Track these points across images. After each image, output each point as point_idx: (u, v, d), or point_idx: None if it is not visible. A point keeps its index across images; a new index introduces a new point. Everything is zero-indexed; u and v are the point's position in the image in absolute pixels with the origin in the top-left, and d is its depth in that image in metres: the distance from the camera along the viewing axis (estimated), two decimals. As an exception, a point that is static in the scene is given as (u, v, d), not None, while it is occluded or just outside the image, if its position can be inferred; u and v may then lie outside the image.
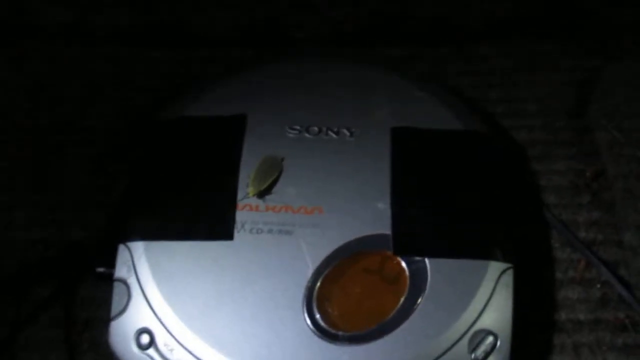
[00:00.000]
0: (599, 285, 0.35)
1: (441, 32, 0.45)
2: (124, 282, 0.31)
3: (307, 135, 0.35)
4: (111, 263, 0.32)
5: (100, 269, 0.32)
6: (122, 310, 0.30)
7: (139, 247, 0.31)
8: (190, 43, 0.44)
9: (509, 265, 0.31)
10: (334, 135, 0.35)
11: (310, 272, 0.30)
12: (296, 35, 0.45)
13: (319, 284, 0.30)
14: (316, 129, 0.35)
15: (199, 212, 0.32)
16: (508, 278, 0.31)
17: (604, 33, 0.43)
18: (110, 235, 0.32)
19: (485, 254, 0.31)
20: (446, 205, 0.32)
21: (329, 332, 0.29)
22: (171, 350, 0.29)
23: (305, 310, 0.29)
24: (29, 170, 0.39)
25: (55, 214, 0.37)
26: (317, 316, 0.29)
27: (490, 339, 0.29)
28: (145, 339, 0.29)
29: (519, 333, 0.30)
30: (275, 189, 0.33)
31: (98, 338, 0.33)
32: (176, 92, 0.38)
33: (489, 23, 0.44)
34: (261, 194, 0.32)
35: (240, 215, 0.32)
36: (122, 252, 0.31)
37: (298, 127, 0.35)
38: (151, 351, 0.29)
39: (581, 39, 0.43)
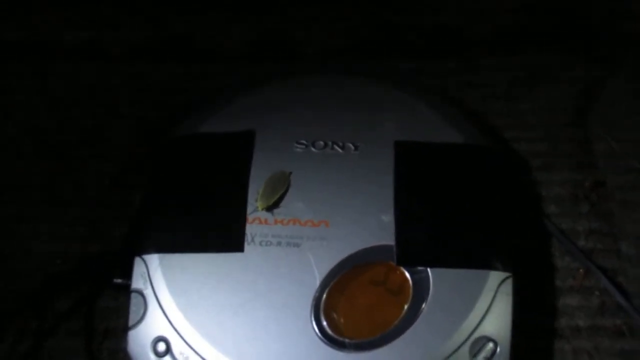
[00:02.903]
0: (597, 293, 0.36)
1: (445, 44, 0.46)
2: (141, 293, 0.32)
3: (313, 149, 0.36)
4: (128, 274, 0.33)
5: (118, 280, 0.34)
6: (140, 320, 0.32)
7: (154, 260, 0.33)
8: (202, 58, 0.46)
9: (508, 274, 0.32)
10: (339, 150, 0.36)
11: (317, 283, 0.32)
12: (303, 49, 0.47)
13: (325, 294, 0.31)
14: (322, 143, 0.36)
15: (210, 226, 0.33)
16: (507, 286, 0.32)
17: (604, 46, 0.44)
18: (127, 249, 0.34)
19: (486, 264, 0.32)
20: (448, 216, 0.33)
21: (336, 340, 0.30)
22: (186, 357, 0.30)
23: (313, 320, 0.31)
24: (48, 184, 0.41)
25: (73, 228, 0.39)
26: (325, 325, 0.31)
27: (491, 345, 0.31)
28: (161, 347, 0.31)
29: (520, 339, 0.31)
30: (283, 203, 0.34)
31: (117, 346, 0.35)
32: (187, 109, 0.39)
33: (491, 36, 0.45)
34: (270, 208, 0.34)
35: (250, 228, 0.33)
36: (138, 264, 0.33)
37: (305, 142, 0.36)
38: (167, 358, 0.31)
39: (581, 51, 0.44)
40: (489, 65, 0.44)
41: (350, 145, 0.36)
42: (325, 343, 0.30)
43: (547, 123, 0.42)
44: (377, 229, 0.33)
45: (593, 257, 0.37)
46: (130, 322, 0.32)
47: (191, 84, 0.45)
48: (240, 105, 0.38)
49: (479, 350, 0.30)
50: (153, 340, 0.31)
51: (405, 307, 0.31)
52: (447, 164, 0.35)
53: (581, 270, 0.37)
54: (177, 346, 0.31)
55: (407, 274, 0.32)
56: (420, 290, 0.32)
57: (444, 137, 0.36)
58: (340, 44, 0.46)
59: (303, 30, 0.47)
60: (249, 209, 0.34)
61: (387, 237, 0.33)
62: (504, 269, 0.32)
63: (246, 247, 0.33)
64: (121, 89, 0.44)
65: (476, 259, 0.32)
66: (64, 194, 0.41)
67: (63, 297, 0.36)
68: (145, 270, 0.33)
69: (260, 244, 0.33)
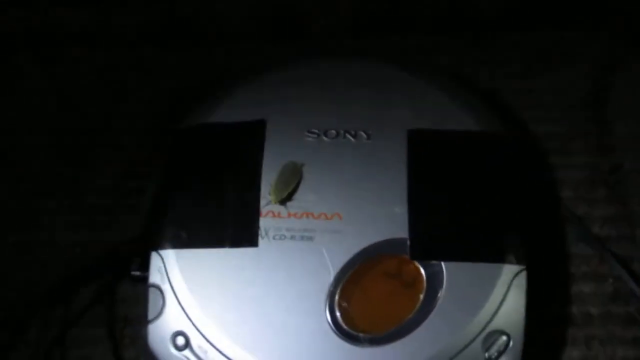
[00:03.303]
0: (611, 280, 0.36)
1: (458, 20, 0.44)
2: (159, 288, 0.33)
3: (325, 139, 0.36)
4: (145, 267, 0.34)
5: (136, 273, 0.35)
6: (158, 315, 0.32)
7: (170, 255, 0.33)
8: (209, 39, 0.45)
9: (522, 267, 0.32)
10: (351, 139, 0.36)
11: (331, 277, 0.32)
12: (312, 28, 0.45)
13: (340, 288, 0.32)
14: (334, 132, 0.36)
15: (225, 221, 0.34)
16: (521, 280, 0.32)
17: (628, 23, 0.42)
18: (143, 243, 0.34)
19: (500, 257, 0.32)
20: (462, 208, 0.33)
21: (351, 334, 0.31)
22: (205, 351, 0.31)
23: (328, 314, 0.31)
24: (62, 174, 0.41)
25: (90, 217, 0.40)
26: (339, 319, 0.31)
27: (504, 338, 0.31)
28: (180, 340, 0.32)
29: (532, 326, 0.32)
30: (296, 196, 0.34)
31: (138, 333, 0.36)
32: (195, 98, 0.39)
33: (507, 11, 0.44)
34: (283, 201, 0.34)
35: (263, 222, 0.33)
36: (154, 259, 0.33)
37: (316, 131, 0.36)
38: (187, 352, 0.32)
39: (604, 28, 0.42)
40: (504, 43, 0.43)
41: (363, 134, 0.36)
42: (340, 337, 0.31)
43: (564, 103, 0.41)
44: (391, 221, 0.33)
45: (608, 243, 0.37)
46: (150, 316, 0.32)
47: (197, 66, 0.44)
48: (250, 93, 0.38)
49: (492, 344, 0.31)
50: (172, 335, 0.32)
51: (419, 301, 0.31)
52: (461, 153, 0.35)
53: (596, 256, 0.36)
54: (195, 340, 0.32)
55: (421, 268, 0.32)
56: (434, 283, 0.32)
57: (459, 124, 0.36)
58: (349, 20, 0.45)
59: (311, 4, 0.46)
60: (262, 202, 0.34)
61: (400, 230, 0.33)
62: (518, 262, 0.32)
63: (260, 241, 0.33)
64: (129, 74, 0.44)
65: (490, 252, 0.32)
66: (79, 183, 0.41)
67: (84, 287, 0.37)
68: (162, 265, 0.33)
69: (274, 238, 0.33)
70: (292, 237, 0.33)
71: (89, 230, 0.39)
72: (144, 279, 0.34)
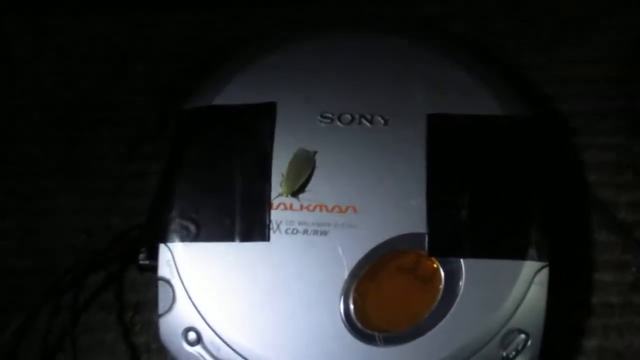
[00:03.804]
0: (634, 269, 0.35)
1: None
2: (168, 282, 0.32)
3: (339, 124, 0.34)
4: (154, 256, 0.33)
5: (145, 262, 0.34)
6: (169, 309, 0.32)
7: (179, 248, 0.32)
8: (209, 5, 0.42)
9: (544, 263, 0.31)
10: (367, 124, 0.34)
11: (346, 273, 0.31)
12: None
13: (354, 285, 0.31)
14: (349, 116, 0.34)
15: (235, 213, 0.32)
16: (543, 276, 0.31)
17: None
18: (150, 233, 0.33)
19: (522, 254, 0.31)
20: (483, 202, 0.32)
21: (366, 333, 0.30)
22: (218, 348, 0.31)
23: (342, 312, 0.31)
24: (62, 154, 0.39)
25: (94, 201, 0.38)
26: (354, 317, 0.31)
27: (522, 337, 0.30)
28: (192, 336, 0.31)
29: (549, 315, 0.31)
30: (308, 187, 0.32)
31: (149, 319, 0.36)
32: (199, 72, 0.37)
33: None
34: (295, 194, 0.32)
35: (275, 215, 0.32)
36: (163, 252, 0.32)
37: (330, 116, 0.34)
38: (199, 348, 0.31)
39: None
40: (532, 11, 0.40)
41: (380, 118, 0.34)
42: (354, 336, 0.30)
43: (592, 77, 0.38)
44: (408, 215, 0.31)
45: (633, 230, 0.35)
46: (160, 311, 0.32)
47: (204, 32, 0.42)
48: (257, 71, 0.35)
49: (510, 343, 0.30)
50: (184, 330, 0.31)
51: (437, 298, 0.30)
52: (484, 141, 0.33)
53: (619, 244, 0.35)
54: (207, 336, 0.31)
55: (439, 263, 0.31)
56: (452, 280, 0.31)
57: (483, 107, 0.33)
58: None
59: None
60: (273, 193, 0.32)
61: (418, 224, 0.31)
62: (540, 258, 0.31)
63: (272, 235, 0.32)
64: (129, 44, 0.41)
65: (513, 248, 0.31)
66: (79, 165, 0.39)
67: (92, 273, 0.37)
68: (171, 258, 0.32)
69: (287, 232, 0.32)
70: (305, 232, 0.32)
71: (94, 215, 0.38)
72: (153, 268, 0.33)
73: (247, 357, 0.30)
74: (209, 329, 0.31)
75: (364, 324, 0.30)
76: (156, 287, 0.32)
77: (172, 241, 0.32)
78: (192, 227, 0.32)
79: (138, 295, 0.37)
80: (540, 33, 0.40)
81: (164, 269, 0.32)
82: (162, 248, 0.32)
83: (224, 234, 0.32)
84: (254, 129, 0.34)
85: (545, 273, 0.31)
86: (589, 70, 0.39)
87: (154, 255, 0.33)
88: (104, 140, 0.39)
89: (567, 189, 0.36)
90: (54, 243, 0.37)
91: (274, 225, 0.32)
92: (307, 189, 0.32)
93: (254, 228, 0.32)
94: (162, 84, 0.40)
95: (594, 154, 0.37)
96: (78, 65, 0.41)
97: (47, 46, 0.41)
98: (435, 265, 0.31)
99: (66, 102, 0.40)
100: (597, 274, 0.35)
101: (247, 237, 0.32)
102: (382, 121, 0.33)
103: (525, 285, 0.31)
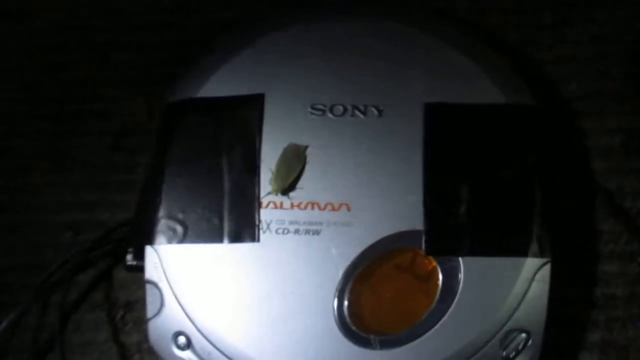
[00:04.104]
0: (639, 260, 0.34)
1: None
2: (156, 285, 0.31)
3: (330, 115, 0.32)
4: (140, 256, 0.32)
5: (132, 263, 0.33)
6: (158, 313, 0.31)
7: (166, 250, 0.31)
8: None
9: (546, 260, 0.30)
10: (361, 115, 0.32)
11: (340, 274, 0.30)
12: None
13: (348, 286, 0.30)
14: (341, 107, 0.32)
15: (222, 213, 0.31)
16: (545, 273, 0.30)
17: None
18: (136, 234, 0.32)
19: (523, 250, 0.29)
20: (483, 196, 0.30)
21: (361, 336, 0.29)
22: (209, 353, 0.30)
23: (336, 314, 0.29)
24: (45, 147, 0.38)
25: (79, 195, 0.37)
26: (348, 320, 0.29)
27: (523, 336, 0.29)
28: (182, 340, 0.30)
29: (551, 308, 0.30)
30: (299, 184, 0.31)
31: (140, 317, 0.35)
32: (185, 65, 0.35)
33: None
34: (285, 192, 0.31)
35: (265, 214, 0.31)
36: (150, 254, 0.31)
37: (321, 107, 0.32)
38: (189, 352, 0.30)
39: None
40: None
41: (373, 109, 0.32)
42: (349, 339, 0.29)
43: (600, 56, 0.36)
44: (404, 212, 0.30)
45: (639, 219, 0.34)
46: (149, 314, 0.31)
47: (182, 18, 0.39)
48: (243, 59, 0.33)
49: (510, 342, 0.29)
50: (173, 334, 0.30)
51: (435, 298, 0.29)
52: (485, 132, 0.31)
53: (624, 234, 0.34)
54: (197, 340, 0.30)
55: (436, 262, 0.30)
56: (450, 279, 0.29)
57: (483, 95, 0.31)
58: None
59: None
60: (263, 191, 0.31)
61: (415, 222, 0.30)
62: (542, 255, 0.30)
63: (262, 236, 0.30)
64: (108, 32, 0.39)
65: (513, 245, 0.29)
66: (64, 159, 0.38)
67: (81, 272, 0.36)
68: (157, 260, 0.31)
69: (277, 232, 0.30)
70: (297, 231, 0.30)
71: (79, 210, 0.37)
72: (141, 268, 0.32)
73: (237, 361, 0.30)
74: (198, 333, 0.30)
75: (358, 326, 0.29)
76: (144, 290, 0.31)
77: (159, 243, 0.31)
78: (179, 228, 0.31)
79: (128, 293, 0.35)
80: (545, 10, 0.37)
81: (151, 272, 0.31)
82: (149, 250, 0.31)
83: (212, 235, 0.31)
84: (242, 122, 0.32)
85: (547, 269, 0.30)
86: (598, 49, 0.36)
87: (141, 256, 0.32)
88: (89, 132, 0.38)
89: (570, 177, 0.35)
90: (40, 240, 0.36)
91: (263, 225, 0.31)
92: (298, 186, 0.31)
93: (243, 228, 0.31)
94: (146, 73, 0.38)
95: (599, 139, 0.35)
96: (56, 53, 0.39)
97: (24, 33, 0.39)
98: (432, 264, 0.30)
99: (46, 93, 0.39)
100: (601, 265, 0.34)
101: (236, 237, 0.31)
102: (376, 112, 0.32)
103: (527, 283, 0.29)
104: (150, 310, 0.31)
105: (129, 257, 0.32)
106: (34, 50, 0.39)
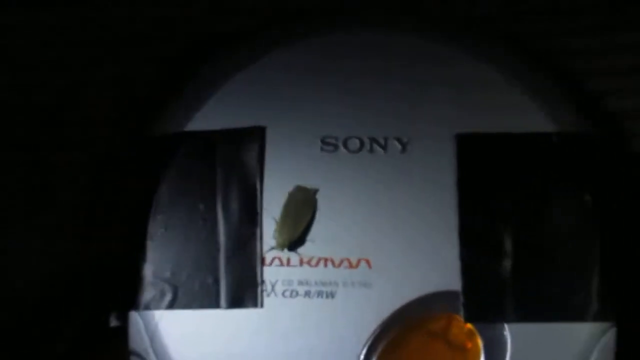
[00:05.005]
0: None
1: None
2: (140, 357, 0.26)
3: (344, 151, 0.27)
4: (123, 318, 0.27)
5: (115, 323, 0.28)
6: (144, 391, 0.26)
7: (152, 317, 0.26)
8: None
9: (610, 324, 0.25)
10: (380, 150, 0.27)
11: (360, 346, 0.25)
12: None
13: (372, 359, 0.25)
14: (357, 141, 0.27)
15: (217, 272, 0.26)
16: (609, 340, 0.25)
17: None
18: (117, 298, 0.27)
19: (582, 314, 0.24)
20: (531, 247, 0.25)
21: (388, 421, 0.25)
22: None
23: (357, 395, 0.25)
24: (14, 184, 0.33)
25: (54, 243, 0.32)
26: (372, 401, 0.25)
27: (584, 419, 0.24)
28: (173, 423, 0.26)
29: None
30: (309, 236, 0.26)
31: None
32: (173, 95, 0.30)
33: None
34: (293, 246, 0.26)
35: (269, 273, 0.26)
36: (134, 320, 0.26)
37: (333, 140, 0.27)
38: None
39: None
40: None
41: (396, 142, 0.27)
42: None
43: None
44: (435, 269, 0.25)
45: None
46: (135, 390, 0.26)
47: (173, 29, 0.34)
48: (240, 84, 0.28)
49: None
50: (163, 417, 0.26)
51: (475, 375, 0.25)
52: (529, 167, 0.26)
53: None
54: None
55: (477, 329, 0.25)
56: (494, 349, 0.24)
57: (527, 122, 0.26)
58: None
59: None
60: (265, 245, 0.26)
61: (449, 280, 0.25)
62: (605, 318, 0.25)
63: (266, 299, 0.25)
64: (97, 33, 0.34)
65: (569, 308, 0.24)
66: (34, 197, 0.33)
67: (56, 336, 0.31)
68: (143, 328, 0.26)
69: (284, 294, 0.26)
70: (307, 294, 0.25)
71: (51, 258, 0.32)
72: (124, 330, 0.27)
73: None
74: (192, 414, 0.26)
75: (385, 410, 0.25)
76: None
77: (145, 309, 0.26)
78: (168, 291, 0.26)
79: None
80: (580, 14, 0.32)
81: (136, 341, 0.26)
82: (133, 316, 0.26)
83: (207, 300, 0.26)
84: (239, 161, 0.27)
85: (612, 335, 0.25)
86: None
87: (125, 318, 0.27)
88: (60, 166, 0.33)
89: (638, 219, 0.29)
90: (11, 291, 0.32)
91: (267, 286, 0.26)
92: (307, 238, 0.26)
93: (243, 291, 0.26)
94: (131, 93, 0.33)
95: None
96: (30, 73, 0.35)
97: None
98: (472, 332, 0.25)
99: (19, 119, 0.34)
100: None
101: (235, 302, 0.26)
102: (399, 146, 0.27)
103: (587, 354, 0.24)
104: (136, 385, 0.26)
105: (112, 319, 0.28)
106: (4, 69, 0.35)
